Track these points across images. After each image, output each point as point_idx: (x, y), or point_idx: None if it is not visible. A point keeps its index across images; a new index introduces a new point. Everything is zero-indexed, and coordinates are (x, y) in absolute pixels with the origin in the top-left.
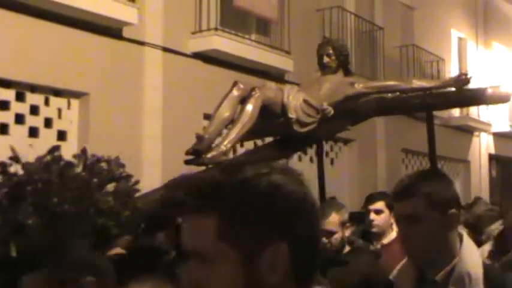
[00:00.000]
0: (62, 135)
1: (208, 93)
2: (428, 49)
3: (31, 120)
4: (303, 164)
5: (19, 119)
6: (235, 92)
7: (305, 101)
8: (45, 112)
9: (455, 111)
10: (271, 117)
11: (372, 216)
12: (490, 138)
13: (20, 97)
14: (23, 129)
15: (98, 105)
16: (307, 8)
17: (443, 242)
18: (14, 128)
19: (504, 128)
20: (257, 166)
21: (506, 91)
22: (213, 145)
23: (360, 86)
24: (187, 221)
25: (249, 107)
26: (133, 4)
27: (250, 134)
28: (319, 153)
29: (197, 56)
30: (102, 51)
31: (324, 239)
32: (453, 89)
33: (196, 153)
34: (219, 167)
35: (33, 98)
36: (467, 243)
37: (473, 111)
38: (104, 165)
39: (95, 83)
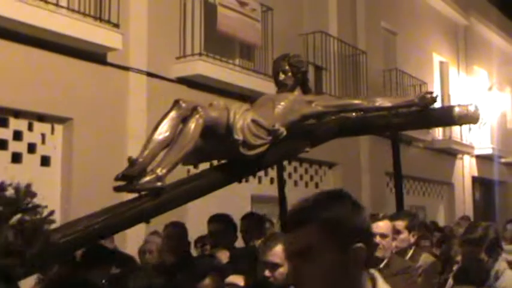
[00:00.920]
0: (45, 161)
1: None
2: (411, 73)
3: (14, 146)
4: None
5: (2, 144)
6: (175, 112)
7: (254, 121)
8: (28, 137)
9: (439, 134)
10: (216, 139)
11: None
12: (473, 160)
13: (3, 123)
14: (6, 155)
15: (82, 130)
16: (291, 32)
17: (346, 286)
18: None
19: (487, 150)
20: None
21: (475, 110)
22: (148, 170)
23: (317, 105)
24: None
25: (189, 128)
26: (117, 30)
27: (195, 157)
28: (279, 175)
29: (181, 80)
30: (86, 76)
31: (267, 272)
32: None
33: (127, 179)
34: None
35: (16, 123)
36: None
37: (457, 133)
38: (9, 193)
39: (79, 108)
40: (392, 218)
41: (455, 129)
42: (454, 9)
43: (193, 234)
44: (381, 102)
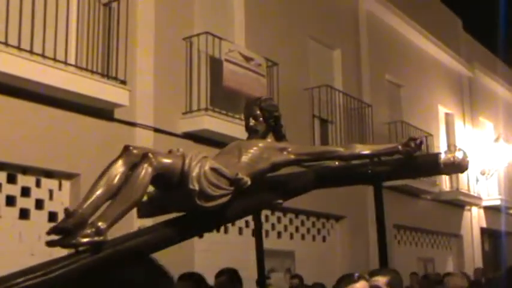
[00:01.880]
0: (53, 217)
1: None
2: (417, 125)
3: (22, 202)
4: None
5: (10, 200)
6: (124, 158)
7: (213, 170)
8: (36, 193)
9: (446, 186)
10: (170, 189)
11: None
12: (481, 212)
13: (11, 179)
14: (14, 211)
15: (89, 186)
16: (296, 86)
17: None
18: (4, 210)
19: (495, 201)
20: None
21: (463, 158)
22: (89, 222)
23: (290, 153)
24: None
25: (136, 177)
26: (124, 86)
27: (150, 210)
28: (257, 227)
29: (188, 136)
30: (93, 132)
31: None
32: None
33: (62, 232)
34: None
35: (24, 180)
36: None
37: (464, 185)
38: None
39: (86, 164)
40: (372, 274)
41: (463, 180)
42: (457, 61)
43: None
44: (361, 149)
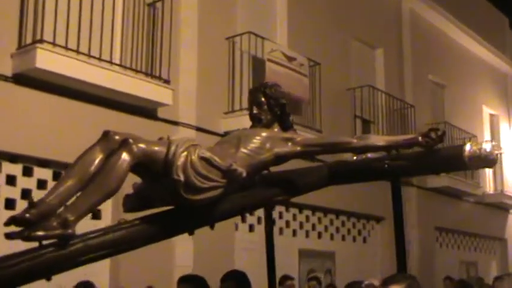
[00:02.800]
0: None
1: None
2: (460, 126)
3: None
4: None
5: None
6: (101, 144)
7: (203, 159)
8: None
9: (490, 188)
10: (156, 180)
11: None
12: None
13: (56, 176)
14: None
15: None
16: (338, 87)
17: None
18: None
19: None
20: None
21: (491, 150)
22: (57, 213)
23: (295, 144)
24: None
25: (112, 165)
26: (168, 85)
27: (135, 203)
28: (269, 224)
29: None
30: (137, 131)
31: None
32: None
33: (23, 224)
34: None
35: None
36: None
37: (509, 187)
38: None
39: None
40: (386, 282)
41: (508, 182)
42: (503, 61)
43: None
44: (376, 140)
